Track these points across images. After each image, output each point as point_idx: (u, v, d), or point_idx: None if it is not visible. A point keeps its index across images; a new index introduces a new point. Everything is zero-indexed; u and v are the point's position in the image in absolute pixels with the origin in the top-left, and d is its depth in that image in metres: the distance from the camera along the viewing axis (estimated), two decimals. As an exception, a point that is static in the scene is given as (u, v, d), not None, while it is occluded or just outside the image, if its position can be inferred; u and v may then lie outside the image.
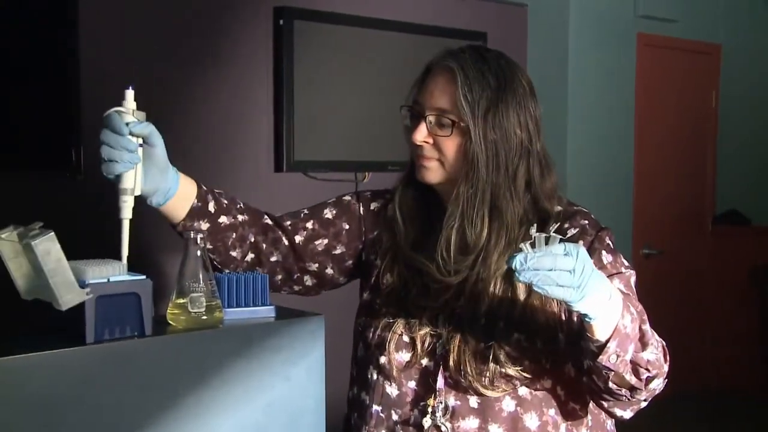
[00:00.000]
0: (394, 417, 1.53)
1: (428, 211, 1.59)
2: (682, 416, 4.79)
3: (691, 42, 5.45)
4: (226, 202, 1.58)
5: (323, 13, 3.86)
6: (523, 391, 1.46)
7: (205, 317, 2.10)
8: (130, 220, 1.46)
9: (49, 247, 1.57)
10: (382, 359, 1.55)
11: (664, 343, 1.42)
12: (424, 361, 1.51)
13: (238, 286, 2.27)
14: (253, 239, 1.61)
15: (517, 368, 1.44)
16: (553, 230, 1.26)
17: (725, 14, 5.70)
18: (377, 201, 1.68)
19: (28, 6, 2.97)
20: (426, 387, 1.50)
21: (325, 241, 1.64)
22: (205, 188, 1.56)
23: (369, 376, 1.58)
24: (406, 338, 1.52)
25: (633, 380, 1.35)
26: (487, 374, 1.44)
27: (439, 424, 1.47)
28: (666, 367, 1.40)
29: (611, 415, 1.46)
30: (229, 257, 1.59)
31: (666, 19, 5.19)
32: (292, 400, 2.26)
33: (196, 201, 1.53)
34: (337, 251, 1.65)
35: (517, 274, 1.22)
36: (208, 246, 1.57)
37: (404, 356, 1.52)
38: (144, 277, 1.97)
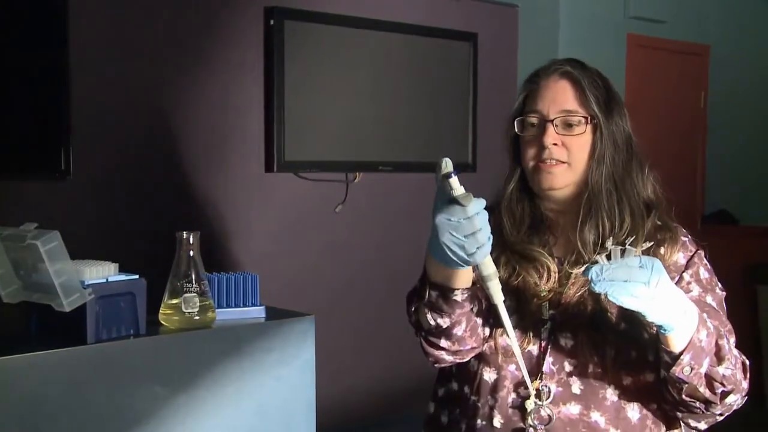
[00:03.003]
0: (490, 402, 1.53)
1: (531, 224, 1.61)
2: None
3: (680, 43, 5.47)
4: None
5: (314, 13, 3.86)
6: (627, 381, 1.48)
7: (197, 317, 2.10)
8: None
9: (54, 247, 1.56)
10: (483, 347, 1.55)
11: (745, 360, 1.46)
12: (529, 347, 1.52)
13: (228, 287, 2.27)
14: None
15: (625, 358, 1.46)
16: (629, 243, 1.31)
17: (714, 15, 5.72)
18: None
19: (17, 6, 2.96)
20: (528, 372, 1.50)
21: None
22: None
23: (470, 368, 1.58)
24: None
25: (707, 393, 1.38)
26: (606, 361, 1.47)
27: (543, 408, 1.48)
28: (744, 384, 1.44)
29: (687, 425, 1.51)
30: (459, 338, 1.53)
31: (656, 20, 5.21)
32: (283, 400, 2.27)
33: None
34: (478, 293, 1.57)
35: (592, 284, 1.27)
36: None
37: (509, 340, 1.51)
38: (138, 276, 1.97)
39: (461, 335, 1.48)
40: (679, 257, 1.53)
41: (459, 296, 1.42)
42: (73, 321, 1.83)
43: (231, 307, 2.28)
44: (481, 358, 1.56)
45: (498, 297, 1.36)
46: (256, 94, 3.73)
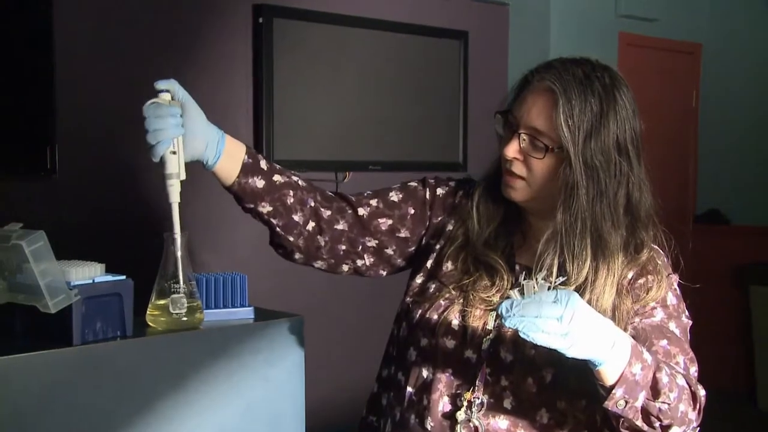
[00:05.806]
0: (424, 402, 1.49)
1: (505, 217, 1.56)
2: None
3: (672, 41, 5.47)
4: (278, 166, 1.59)
5: (303, 11, 3.84)
6: (561, 405, 1.44)
7: (185, 318, 2.08)
8: (180, 204, 1.52)
9: (40, 247, 1.54)
10: (424, 341, 1.51)
11: (698, 392, 1.39)
12: (468, 353, 1.48)
13: (216, 288, 2.25)
14: (313, 204, 1.58)
15: (562, 383, 1.42)
16: (540, 277, 1.26)
17: (706, 13, 5.72)
18: (442, 187, 1.66)
19: (1, 6, 2.93)
20: (462, 378, 1.47)
21: (390, 221, 1.60)
22: (253, 150, 1.57)
23: (408, 357, 1.54)
24: (455, 326, 1.49)
25: (645, 427, 1.34)
26: (542, 383, 1.43)
27: (473, 419, 1.45)
28: (692, 416, 1.37)
29: None
30: (291, 221, 1.55)
31: (647, 18, 5.20)
32: (271, 402, 2.24)
33: (246, 157, 1.54)
34: (401, 234, 1.61)
35: (503, 320, 1.23)
36: (268, 208, 1.54)
37: (450, 342, 1.49)
38: (125, 277, 1.95)
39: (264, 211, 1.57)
40: (650, 280, 1.48)
41: (232, 187, 1.57)
42: (58, 322, 1.81)
43: (219, 308, 2.26)
44: (422, 352, 1.52)
45: (173, 197, 1.51)
46: (245, 93, 3.70)
